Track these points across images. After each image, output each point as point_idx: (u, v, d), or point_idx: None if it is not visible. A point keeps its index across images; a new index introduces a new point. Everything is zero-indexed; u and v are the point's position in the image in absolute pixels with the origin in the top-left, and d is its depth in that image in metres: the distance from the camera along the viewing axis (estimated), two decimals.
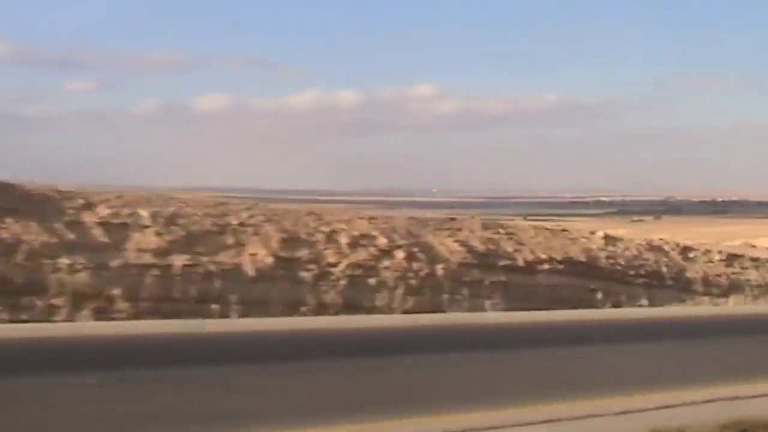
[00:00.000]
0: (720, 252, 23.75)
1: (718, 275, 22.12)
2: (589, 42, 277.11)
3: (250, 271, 16.29)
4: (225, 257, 16.37)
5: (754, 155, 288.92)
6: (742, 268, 23.32)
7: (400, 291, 17.43)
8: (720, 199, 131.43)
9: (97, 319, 14.17)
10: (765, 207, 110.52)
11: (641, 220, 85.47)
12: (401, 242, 18.67)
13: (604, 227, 66.90)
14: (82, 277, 14.84)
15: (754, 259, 24.38)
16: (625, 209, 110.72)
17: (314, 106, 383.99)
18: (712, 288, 21.64)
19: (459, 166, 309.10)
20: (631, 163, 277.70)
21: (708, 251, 23.72)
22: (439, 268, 18.22)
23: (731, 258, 23.57)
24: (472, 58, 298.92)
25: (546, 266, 19.74)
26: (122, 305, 14.79)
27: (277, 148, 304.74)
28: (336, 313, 16.17)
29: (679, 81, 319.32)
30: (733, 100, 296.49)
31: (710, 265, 22.65)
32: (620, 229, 65.09)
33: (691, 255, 22.92)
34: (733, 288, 22.11)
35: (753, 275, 23.00)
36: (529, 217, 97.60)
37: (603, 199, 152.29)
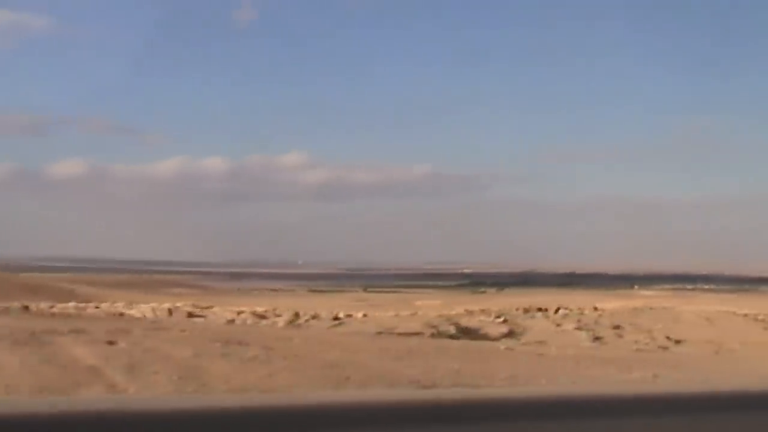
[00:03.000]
0: None
1: None
2: (460, 113, 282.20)
3: None
4: None
5: (618, 229, 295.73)
6: None
7: None
8: (578, 272, 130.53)
9: None
10: (618, 279, 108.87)
11: (484, 292, 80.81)
12: None
13: (428, 298, 61.29)
14: None
15: None
16: (479, 281, 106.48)
17: (179, 174, 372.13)
18: None
19: (327, 237, 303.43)
20: (500, 235, 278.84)
21: None
22: None
23: None
24: (344, 124, 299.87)
25: None
26: None
27: (140, 217, 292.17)
28: None
29: (548, 154, 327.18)
30: (600, 174, 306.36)
31: None
32: (436, 300, 60.31)
33: None
34: None
35: None
36: (369, 289, 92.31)
37: (465, 270, 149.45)
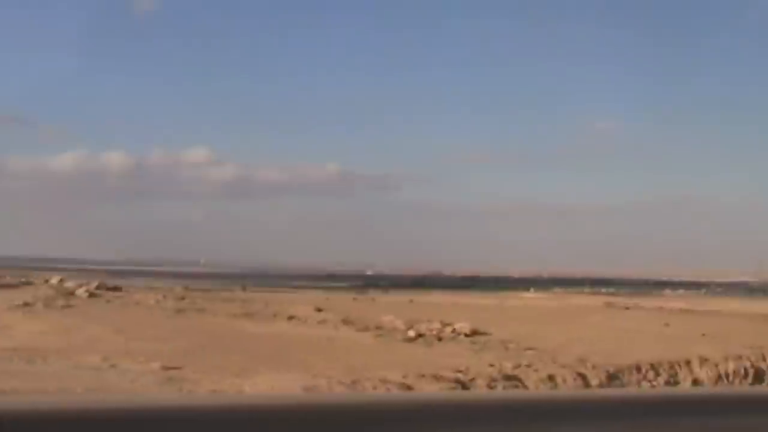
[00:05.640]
0: None
1: None
2: (370, 112, 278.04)
3: None
4: None
5: (529, 233, 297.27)
6: None
7: None
8: (482, 275, 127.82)
9: None
10: (519, 282, 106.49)
11: (367, 293, 76.45)
12: None
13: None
14: None
15: None
16: (374, 282, 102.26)
17: (78, 168, 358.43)
18: None
19: (233, 236, 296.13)
20: (409, 236, 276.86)
21: None
22: None
23: None
24: (250, 120, 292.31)
25: None
26: None
27: (35, 212, 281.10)
28: None
29: (458, 156, 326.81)
30: (511, 177, 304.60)
31: None
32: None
33: None
34: None
35: None
36: (249, 289, 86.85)
37: (368, 272, 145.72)
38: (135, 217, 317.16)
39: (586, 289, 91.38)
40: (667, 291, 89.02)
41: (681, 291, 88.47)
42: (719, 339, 20.57)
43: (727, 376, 16.77)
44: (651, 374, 15.65)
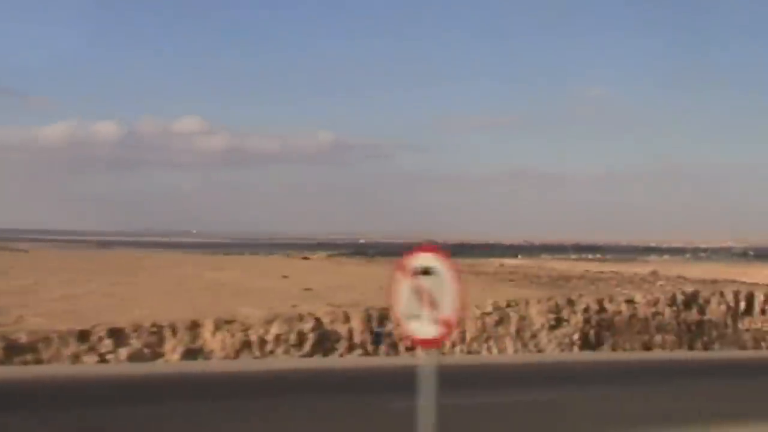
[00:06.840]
0: None
1: None
2: (362, 81, 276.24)
3: None
4: None
5: (522, 201, 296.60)
6: None
7: None
8: (472, 243, 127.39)
9: None
10: (507, 250, 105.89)
11: (343, 257, 76.42)
12: None
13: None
14: None
15: None
16: (362, 251, 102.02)
17: (68, 139, 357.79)
18: None
19: (224, 206, 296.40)
20: (404, 205, 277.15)
21: None
22: None
23: None
24: (242, 89, 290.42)
25: None
26: None
27: (24, 184, 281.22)
28: None
29: (450, 124, 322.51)
30: (504, 145, 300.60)
31: None
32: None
33: None
34: None
35: None
36: (223, 254, 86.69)
37: (361, 241, 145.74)
38: (127, 188, 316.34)
39: (573, 256, 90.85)
40: (653, 256, 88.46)
41: (666, 256, 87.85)
42: (323, 297, 18.34)
43: (262, 342, 14.18)
44: (97, 340, 12.46)
